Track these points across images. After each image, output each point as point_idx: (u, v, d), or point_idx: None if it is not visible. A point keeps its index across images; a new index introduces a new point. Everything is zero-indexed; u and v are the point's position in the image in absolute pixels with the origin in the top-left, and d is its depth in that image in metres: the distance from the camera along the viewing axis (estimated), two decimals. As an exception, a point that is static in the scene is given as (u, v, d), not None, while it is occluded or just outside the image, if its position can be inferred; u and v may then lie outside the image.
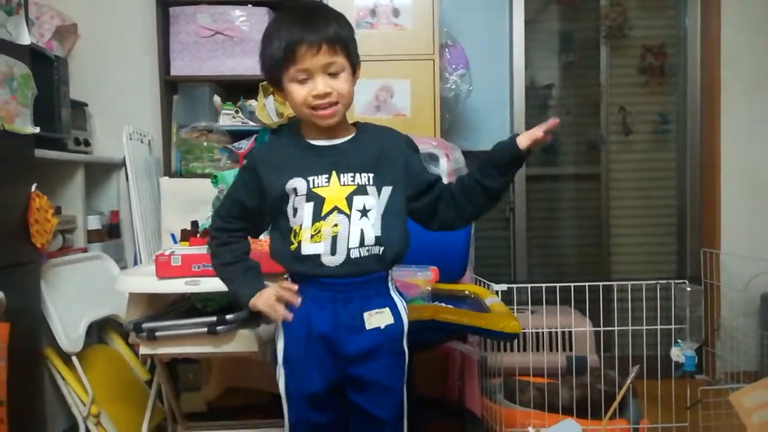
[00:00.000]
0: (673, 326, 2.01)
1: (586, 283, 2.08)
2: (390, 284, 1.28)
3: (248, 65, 2.46)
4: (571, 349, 2.39)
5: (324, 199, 1.19)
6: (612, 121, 3.16)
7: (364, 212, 1.20)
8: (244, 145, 2.42)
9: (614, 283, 2.16)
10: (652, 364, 2.07)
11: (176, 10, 2.47)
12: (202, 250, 1.69)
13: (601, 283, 2.09)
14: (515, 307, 1.96)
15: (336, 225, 1.19)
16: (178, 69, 2.48)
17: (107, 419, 1.96)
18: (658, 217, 3.21)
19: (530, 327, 2.20)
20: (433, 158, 2.26)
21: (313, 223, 1.19)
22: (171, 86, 2.52)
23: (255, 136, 2.41)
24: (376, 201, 1.21)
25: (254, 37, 2.45)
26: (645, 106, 3.17)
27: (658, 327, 2.04)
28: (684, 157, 3.10)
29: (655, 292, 2.04)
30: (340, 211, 1.19)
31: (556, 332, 2.28)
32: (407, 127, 1.38)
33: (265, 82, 2.35)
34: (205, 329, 1.60)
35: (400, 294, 1.30)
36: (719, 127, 2.89)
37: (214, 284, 1.61)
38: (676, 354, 1.94)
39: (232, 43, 2.46)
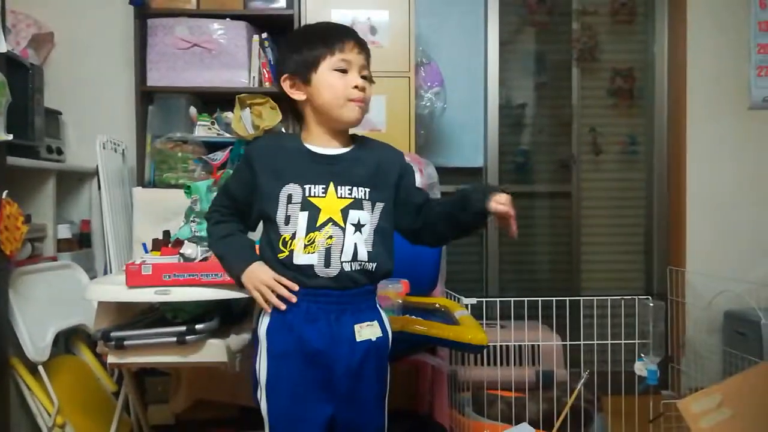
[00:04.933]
0: (636, 341, 2.05)
1: (554, 298, 2.12)
2: (376, 298, 1.27)
3: (225, 78, 2.48)
4: (539, 364, 2.43)
5: (320, 209, 1.18)
6: (583, 141, 3.24)
7: (358, 227, 1.19)
8: (219, 156, 2.43)
9: (581, 298, 2.21)
10: (618, 379, 2.11)
11: (154, 22, 2.48)
12: (174, 259, 1.69)
13: (568, 298, 2.13)
14: (485, 322, 1.98)
15: (330, 237, 1.18)
16: (154, 80, 2.48)
17: (72, 430, 1.93)
18: (627, 235, 3.28)
19: (499, 341, 2.22)
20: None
21: (307, 233, 1.18)
22: (147, 96, 2.52)
23: (230, 147, 2.43)
24: (370, 216, 1.21)
25: (231, 50, 2.48)
26: (614, 128, 3.25)
27: (622, 341, 2.09)
28: (652, 178, 3.19)
29: (621, 309, 2.09)
30: (335, 224, 1.18)
31: (525, 346, 2.31)
32: (382, 143, 1.41)
33: (243, 95, 2.38)
34: (175, 338, 1.60)
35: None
36: (685, 149, 2.97)
37: (185, 293, 1.62)
38: (639, 368, 1.98)
39: (210, 56, 2.47)
